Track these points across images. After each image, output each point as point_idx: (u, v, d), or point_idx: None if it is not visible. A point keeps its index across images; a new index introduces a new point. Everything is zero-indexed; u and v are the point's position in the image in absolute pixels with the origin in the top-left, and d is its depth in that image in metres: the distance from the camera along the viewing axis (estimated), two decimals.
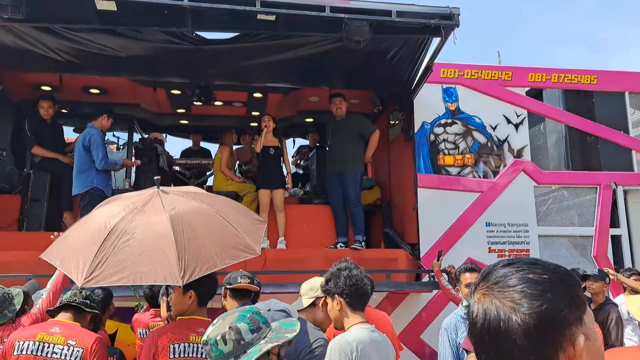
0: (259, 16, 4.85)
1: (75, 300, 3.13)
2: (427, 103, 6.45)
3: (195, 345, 2.70)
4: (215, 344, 1.79)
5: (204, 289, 2.81)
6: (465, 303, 3.75)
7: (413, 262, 6.20)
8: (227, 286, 3.14)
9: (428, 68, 5.77)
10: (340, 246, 6.25)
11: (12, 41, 5.15)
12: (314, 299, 2.93)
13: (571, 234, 6.66)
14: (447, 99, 6.58)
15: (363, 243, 6.24)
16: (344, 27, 4.86)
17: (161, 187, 3.00)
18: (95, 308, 3.23)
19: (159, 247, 2.60)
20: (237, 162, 8.14)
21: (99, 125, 5.95)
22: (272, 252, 6.07)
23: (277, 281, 5.26)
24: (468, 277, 3.84)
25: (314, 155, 7.60)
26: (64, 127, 7.48)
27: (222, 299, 3.18)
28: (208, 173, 8.29)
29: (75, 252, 2.73)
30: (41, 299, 3.43)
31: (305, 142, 9.12)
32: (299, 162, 9.02)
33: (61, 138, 6.70)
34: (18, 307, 3.37)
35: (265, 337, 1.82)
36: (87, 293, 3.21)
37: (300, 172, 8.84)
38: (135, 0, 4.60)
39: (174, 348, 2.68)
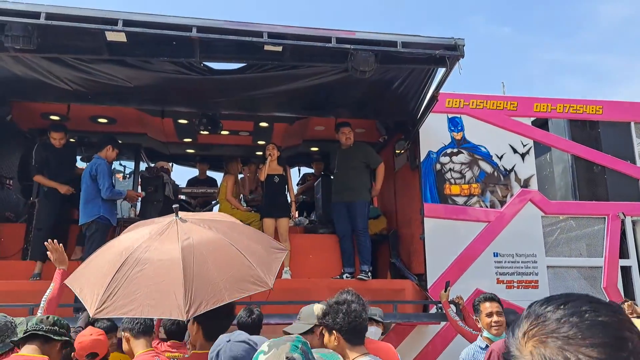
0: (266, 47, 4.92)
1: (42, 328, 2.82)
2: (433, 132, 6.47)
3: None
4: None
5: (209, 322, 2.67)
6: (485, 334, 3.70)
7: (420, 293, 6.11)
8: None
9: (433, 98, 5.81)
10: (347, 277, 6.18)
11: (22, 71, 5.23)
12: (312, 325, 2.91)
13: (580, 264, 6.57)
14: (452, 128, 6.59)
15: (369, 273, 6.17)
16: (349, 57, 4.92)
17: (180, 215, 2.95)
18: (64, 334, 2.91)
19: (168, 279, 2.57)
20: (242, 191, 8.15)
21: (104, 155, 5.98)
22: (277, 282, 5.93)
23: (283, 312, 5.18)
24: (488, 307, 3.75)
25: (319, 184, 7.59)
26: None
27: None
28: (213, 202, 8.29)
29: (92, 280, 2.71)
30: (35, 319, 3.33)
31: (309, 170, 9.14)
32: (302, 191, 9.00)
33: (71, 165, 6.66)
34: (20, 335, 3.30)
35: None
36: (55, 318, 2.91)
37: (302, 198, 8.83)
38: (144, 32, 4.67)
39: None
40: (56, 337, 2.83)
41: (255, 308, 4.00)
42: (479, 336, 3.85)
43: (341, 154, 6.60)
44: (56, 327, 2.85)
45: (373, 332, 4.06)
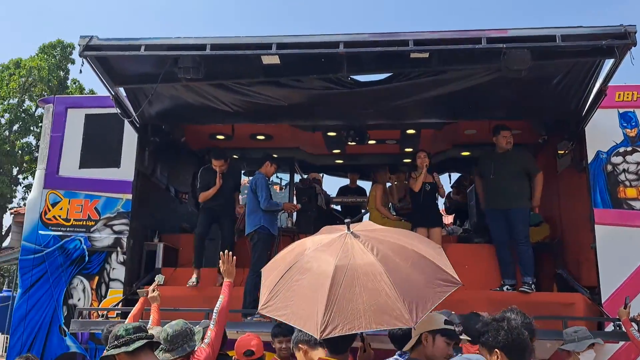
0: (412, 55, 4.88)
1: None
2: (602, 130, 5.83)
3: None
4: None
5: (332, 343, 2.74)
6: None
7: (593, 308, 5.52)
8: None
9: (601, 92, 5.25)
10: (507, 289, 5.82)
11: (192, 98, 5.84)
12: (418, 335, 2.88)
13: None
14: (625, 124, 5.89)
15: (533, 285, 5.74)
16: (502, 57, 4.66)
17: (352, 230, 2.95)
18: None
19: (315, 295, 2.63)
20: (391, 200, 8.14)
21: (264, 171, 6.39)
22: None
23: None
24: None
25: (472, 190, 7.28)
26: None
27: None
28: (363, 211, 8.41)
29: (304, 306, 2.76)
30: (209, 330, 3.62)
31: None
32: (455, 195, 8.68)
33: (233, 186, 6.79)
34: (198, 343, 3.63)
35: None
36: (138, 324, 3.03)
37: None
38: (296, 53, 4.92)
39: None
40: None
41: None
42: None
43: (498, 159, 6.24)
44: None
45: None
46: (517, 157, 6.13)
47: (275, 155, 6.97)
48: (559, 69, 5.18)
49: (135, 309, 4.71)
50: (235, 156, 8.40)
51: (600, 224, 5.61)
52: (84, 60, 5.08)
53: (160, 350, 3.44)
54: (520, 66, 4.65)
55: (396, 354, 3.85)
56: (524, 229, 5.95)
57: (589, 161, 5.82)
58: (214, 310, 3.69)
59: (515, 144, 6.29)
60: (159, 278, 4.99)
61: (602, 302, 5.40)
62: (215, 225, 6.55)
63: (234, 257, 3.87)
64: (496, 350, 2.47)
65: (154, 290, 4.64)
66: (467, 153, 8.11)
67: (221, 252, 3.89)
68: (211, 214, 6.47)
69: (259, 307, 2.84)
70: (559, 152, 6.66)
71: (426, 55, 4.92)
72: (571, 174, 6.32)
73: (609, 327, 5.25)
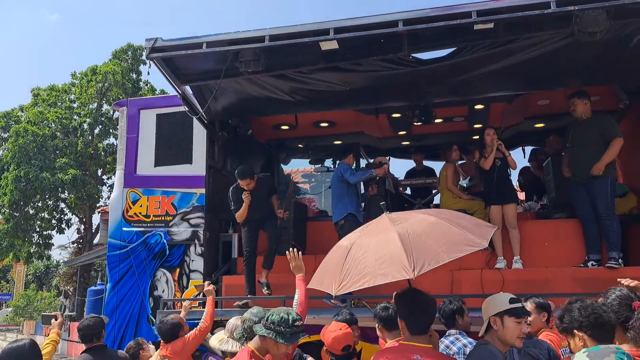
0: (476, 26, 4.67)
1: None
2: None
3: None
4: None
5: (412, 318, 2.89)
6: None
7: None
8: None
9: None
10: (592, 264, 5.51)
11: (255, 91, 5.92)
12: (487, 321, 2.86)
13: None
14: None
15: (620, 260, 5.40)
16: (574, 20, 4.36)
17: (387, 212, 3.35)
18: None
19: (390, 251, 2.90)
20: (461, 178, 7.91)
21: (347, 161, 6.48)
22: (510, 272, 5.67)
23: None
24: None
25: (549, 164, 6.92)
26: (301, 160, 8.31)
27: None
28: (434, 192, 8.24)
29: (328, 273, 3.20)
30: None
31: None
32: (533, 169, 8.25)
33: (266, 200, 6.29)
34: None
35: None
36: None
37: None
38: (354, 36, 4.85)
39: None
40: None
41: (456, 301, 4.01)
42: None
43: (575, 127, 5.87)
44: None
45: None
46: (594, 124, 5.72)
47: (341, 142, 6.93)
48: (638, 28, 4.78)
49: (211, 307, 4.86)
50: (300, 145, 8.50)
51: None
52: (151, 62, 5.28)
53: (245, 339, 3.49)
54: (595, 28, 4.34)
55: (455, 331, 3.79)
56: (606, 200, 5.56)
57: None
58: (294, 303, 3.75)
59: (595, 110, 5.88)
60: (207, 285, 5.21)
61: None
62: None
63: (300, 252, 3.89)
64: (575, 331, 2.41)
65: (209, 285, 4.97)
66: (541, 125, 7.72)
67: (287, 252, 3.90)
68: (254, 227, 6.14)
69: (334, 293, 2.95)
70: None
71: (491, 25, 4.69)
72: None
73: None
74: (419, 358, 2.77)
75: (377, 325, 3.63)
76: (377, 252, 2.95)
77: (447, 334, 3.87)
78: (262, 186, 6.16)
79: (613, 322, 2.42)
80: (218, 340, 4.06)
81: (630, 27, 4.77)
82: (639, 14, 4.49)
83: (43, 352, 4.04)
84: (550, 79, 5.71)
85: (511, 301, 2.88)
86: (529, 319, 3.16)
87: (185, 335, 4.43)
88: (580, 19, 4.33)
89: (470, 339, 3.68)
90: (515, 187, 6.20)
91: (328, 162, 9.55)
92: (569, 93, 6.04)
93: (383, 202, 3.51)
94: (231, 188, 6.13)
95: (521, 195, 8.12)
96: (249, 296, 5.80)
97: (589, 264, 5.53)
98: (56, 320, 4.50)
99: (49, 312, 5.31)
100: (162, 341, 4.47)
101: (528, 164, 8.37)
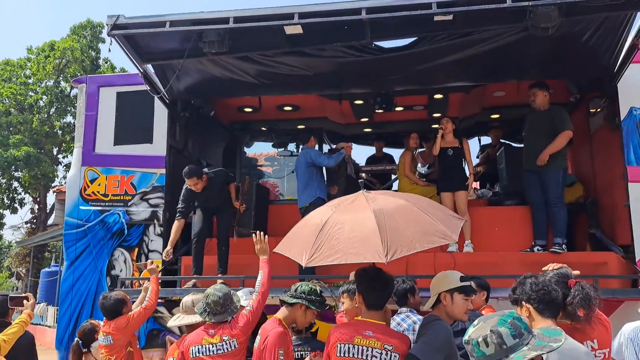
0: (436, 18, 4.80)
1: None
2: (635, 86, 5.65)
3: (359, 347, 2.86)
4: (477, 345, 1.86)
5: (372, 292, 3.01)
6: None
7: (627, 267, 5.48)
8: None
9: (634, 46, 5.08)
10: (538, 249, 5.81)
11: (219, 72, 5.92)
12: (436, 295, 3.04)
13: None
14: None
15: (564, 246, 5.71)
16: (528, 15, 4.55)
17: (364, 190, 3.38)
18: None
19: (364, 232, 2.95)
20: (420, 165, 8.14)
21: (311, 145, 6.59)
22: (461, 256, 5.92)
23: None
24: None
25: (501, 154, 7.21)
26: (264, 144, 8.35)
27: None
28: (393, 178, 8.44)
29: (298, 243, 3.26)
30: (250, 300, 3.81)
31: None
32: (483, 162, 8.60)
33: (219, 193, 6.27)
34: (238, 304, 3.79)
35: (527, 343, 1.84)
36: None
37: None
38: (318, 21, 4.92)
39: (339, 347, 2.92)
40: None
41: (409, 280, 4.18)
42: None
43: (531, 118, 6.13)
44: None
45: None
46: (549, 115, 5.96)
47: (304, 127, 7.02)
48: (589, 25, 5.02)
49: (156, 285, 4.87)
50: (263, 128, 8.54)
51: (634, 182, 5.50)
52: (112, 39, 5.21)
53: (206, 314, 3.60)
54: (548, 24, 4.54)
55: (406, 309, 3.99)
56: (556, 189, 5.85)
57: (622, 118, 5.66)
58: (256, 284, 3.85)
59: (552, 102, 6.13)
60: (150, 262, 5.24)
61: (636, 260, 5.34)
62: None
63: (266, 237, 3.97)
64: (523, 302, 2.56)
65: (152, 263, 4.99)
66: (496, 116, 8.00)
67: (254, 234, 3.99)
68: (207, 214, 6.21)
69: (304, 264, 3.04)
70: (591, 110, 6.50)
71: (450, 17, 4.84)
72: (604, 133, 6.19)
73: None
74: (370, 334, 2.92)
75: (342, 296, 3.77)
76: (351, 230, 3.01)
77: (398, 312, 4.04)
78: (214, 183, 6.10)
79: (559, 301, 2.58)
80: (173, 319, 4.15)
81: (580, 24, 5.01)
82: (589, 11, 4.72)
83: (8, 332, 4.00)
84: (505, 71, 5.94)
85: (461, 279, 3.08)
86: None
87: (130, 313, 4.42)
88: (534, 15, 4.52)
89: (420, 316, 3.87)
90: (466, 175, 6.42)
91: (291, 146, 9.63)
92: (523, 85, 6.28)
93: (362, 180, 3.72)
94: (185, 186, 6.03)
95: (476, 184, 8.44)
96: (219, 276, 5.82)
97: (535, 248, 5.84)
98: (28, 301, 4.35)
99: (17, 293, 5.23)
100: (105, 318, 4.43)
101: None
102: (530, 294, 2.54)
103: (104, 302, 4.43)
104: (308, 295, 3.38)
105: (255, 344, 3.32)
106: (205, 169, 6.12)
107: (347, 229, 3.04)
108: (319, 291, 3.43)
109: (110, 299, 4.41)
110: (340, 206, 3.28)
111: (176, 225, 5.93)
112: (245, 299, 4.15)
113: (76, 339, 4.58)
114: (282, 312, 3.44)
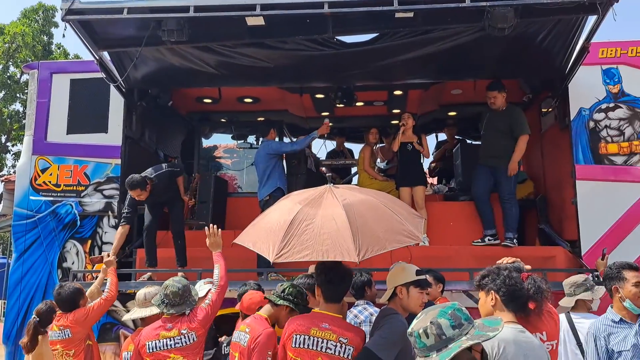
0: (397, 14, 4.86)
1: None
2: (585, 87, 5.90)
3: (315, 338, 2.90)
4: (418, 337, 1.91)
5: (330, 285, 3.04)
6: (627, 304, 3.31)
7: (573, 261, 5.72)
8: None
9: (584, 49, 5.29)
10: (489, 239, 5.98)
11: (177, 61, 5.80)
12: (393, 289, 3.09)
13: None
14: (608, 81, 5.95)
15: (515, 240, 5.91)
16: (485, 15, 4.66)
17: (332, 184, 3.37)
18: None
19: (336, 229, 2.96)
20: (379, 161, 8.25)
21: (271, 137, 6.55)
22: (417, 249, 6.03)
23: None
24: (634, 276, 3.35)
25: (458, 150, 7.38)
26: (223, 136, 8.24)
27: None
28: (353, 172, 8.51)
29: (265, 236, 3.19)
30: (210, 293, 3.77)
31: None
32: (438, 158, 8.79)
33: (166, 190, 6.11)
34: (197, 297, 3.74)
35: (467, 333, 1.89)
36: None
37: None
38: (280, 14, 4.90)
39: (295, 338, 2.94)
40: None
41: (367, 273, 4.27)
42: (609, 307, 3.45)
43: (489, 117, 6.29)
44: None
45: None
46: (506, 116, 6.10)
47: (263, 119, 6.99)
48: (542, 27, 5.20)
49: (115, 277, 4.79)
50: (222, 119, 8.45)
51: (582, 180, 5.75)
52: (66, 24, 5.03)
53: (164, 305, 3.54)
54: (504, 24, 4.66)
55: (363, 302, 4.06)
56: (509, 186, 6.03)
57: (572, 118, 5.90)
58: (214, 277, 3.82)
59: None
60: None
61: (582, 254, 5.59)
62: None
63: (219, 230, 3.94)
64: (492, 292, 2.62)
65: (108, 256, 4.95)
66: (453, 113, 8.18)
67: (206, 227, 3.95)
68: (157, 207, 6.10)
69: (272, 259, 3.01)
70: (542, 110, 6.75)
71: (411, 15, 4.90)
72: (554, 132, 6.43)
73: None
74: (327, 326, 2.95)
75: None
76: (322, 227, 2.99)
77: (355, 304, 4.10)
78: (159, 186, 5.89)
79: (524, 300, 2.67)
80: (129, 313, 4.07)
81: (535, 26, 5.18)
82: (543, 14, 4.89)
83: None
84: (463, 70, 6.08)
85: (417, 273, 3.12)
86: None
87: (89, 305, 4.31)
88: (491, 15, 4.63)
89: (377, 308, 3.94)
90: (424, 171, 6.56)
91: (251, 139, 9.56)
92: (479, 84, 6.44)
93: (330, 174, 3.76)
94: (128, 199, 5.83)
95: (432, 180, 8.63)
96: (177, 269, 5.73)
97: (486, 239, 6.00)
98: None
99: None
100: (59, 311, 4.29)
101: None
102: (501, 285, 2.60)
103: (60, 291, 4.27)
104: (295, 298, 3.34)
105: (242, 342, 3.23)
106: (149, 175, 5.83)
107: (318, 224, 3.02)
108: (304, 295, 3.41)
109: (67, 289, 4.26)
110: (308, 200, 3.24)
111: (120, 232, 5.71)
112: (201, 289, 4.12)
113: (33, 316, 4.43)
114: (267, 311, 3.39)
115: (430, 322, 1.89)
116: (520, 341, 2.38)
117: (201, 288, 4.14)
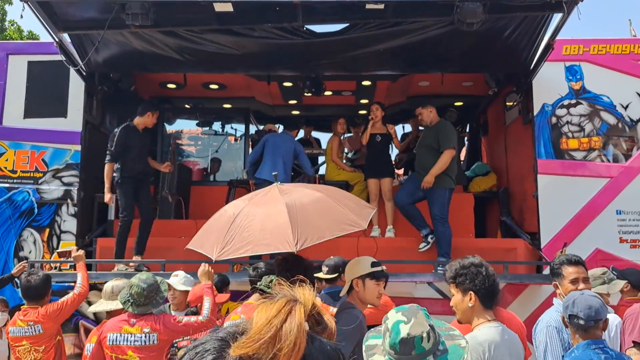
0: (368, 6, 4.84)
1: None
2: (548, 83, 6.03)
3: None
4: (419, 341, 1.74)
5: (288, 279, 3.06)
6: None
7: (533, 253, 5.89)
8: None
9: (549, 46, 5.40)
10: (431, 238, 5.76)
11: (141, 46, 5.62)
12: (349, 283, 3.08)
13: None
14: (570, 77, 6.10)
15: (447, 266, 5.75)
16: (455, 10, 4.69)
17: (279, 182, 3.42)
18: None
19: (276, 223, 3.03)
20: (347, 151, 8.24)
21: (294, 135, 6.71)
22: (383, 240, 6.09)
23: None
24: (573, 272, 3.11)
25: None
26: (188, 122, 8.07)
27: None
28: (320, 162, 8.49)
29: (210, 238, 3.27)
30: (197, 322, 3.57)
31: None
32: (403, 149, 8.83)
33: (145, 154, 6.10)
34: (165, 294, 3.63)
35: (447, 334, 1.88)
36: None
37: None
38: (249, 0, 4.80)
39: None
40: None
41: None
42: (556, 303, 3.23)
43: (423, 133, 6.22)
44: None
45: None
46: (435, 131, 5.83)
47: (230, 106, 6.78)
48: (509, 23, 5.27)
49: (85, 271, 4.64)
50: (187, 105, 8.27)
51: (543, 174, 5.90)
52: (25, 4, 4.78)
53: (130, 304, 3.43)
54: (473, 19, 4.70)
55: (323, 290, 4.06)
56: (441, 207, 5.66)
57: (535, 113, 6.04)
58: (204, 312, 3.61)
59: (443, 120, 6.08)
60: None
61: (542, 247, 5.75)
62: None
63: (211, 268, 3.77)
64: (471, 292, 2.58)
65: (77, 250, 4.79)
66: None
67: (202, 265, 3.75)
68: (131, 187, 5.73)
69: (215, 257, 3.04)
70: (507, 104, 6.87)
71: (381, 6, 4.89)
72: (518, 126, 6.56)
73: (547, 270, 5.61)
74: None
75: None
76: (263, 222, 3.04)
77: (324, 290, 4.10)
78: (149, 135, 5.90)
79: (499, 295, 2.67)
80: (95, 305, 3.97)
81: (502, 22, 5.24)
82: (510, 10, 4.95)
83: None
84: (431, 62, 6.12)
85: (372, 265, 3.09)
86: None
87: (62, 299, 4.16)
88: (461, 10, 4.66)
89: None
90: (392, 162, 6.58)
91: (216, 125, 9.40)
92: (447, 77, 6.50)
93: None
94: (119, 128, 5.70)
95: (399, 171, 8.69)
96: (139, 260, 5.56)
97: (428, 238, 5.78)
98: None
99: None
100: (26, 304, 4.12)
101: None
102: (480, 286, 2.57)
103: (29, 279, 4.06)
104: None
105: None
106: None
107: (259, 220, 3.08)
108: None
109: (37, 277, 4.08)
110: (253, 199, 3.30)
111: (108, 168, 5.62)
112: (183, 283, 4.03)
113: None
114: (257, 299, 3.30)
115: (429, 325, 1.77)
116: (504, 339, 2.47)
117: (185, 282, 4.06)
